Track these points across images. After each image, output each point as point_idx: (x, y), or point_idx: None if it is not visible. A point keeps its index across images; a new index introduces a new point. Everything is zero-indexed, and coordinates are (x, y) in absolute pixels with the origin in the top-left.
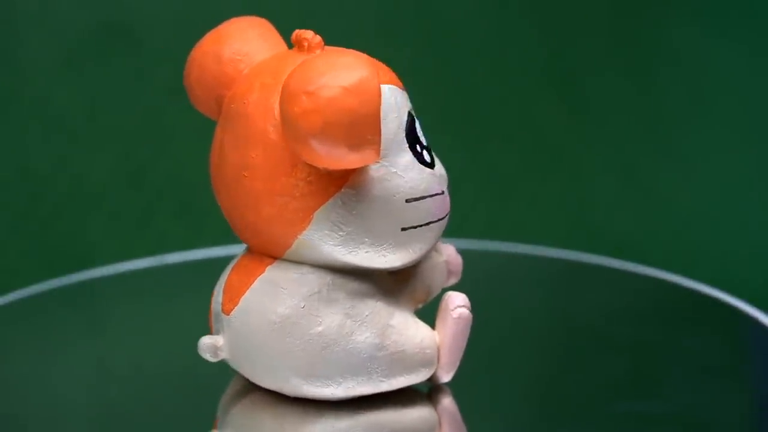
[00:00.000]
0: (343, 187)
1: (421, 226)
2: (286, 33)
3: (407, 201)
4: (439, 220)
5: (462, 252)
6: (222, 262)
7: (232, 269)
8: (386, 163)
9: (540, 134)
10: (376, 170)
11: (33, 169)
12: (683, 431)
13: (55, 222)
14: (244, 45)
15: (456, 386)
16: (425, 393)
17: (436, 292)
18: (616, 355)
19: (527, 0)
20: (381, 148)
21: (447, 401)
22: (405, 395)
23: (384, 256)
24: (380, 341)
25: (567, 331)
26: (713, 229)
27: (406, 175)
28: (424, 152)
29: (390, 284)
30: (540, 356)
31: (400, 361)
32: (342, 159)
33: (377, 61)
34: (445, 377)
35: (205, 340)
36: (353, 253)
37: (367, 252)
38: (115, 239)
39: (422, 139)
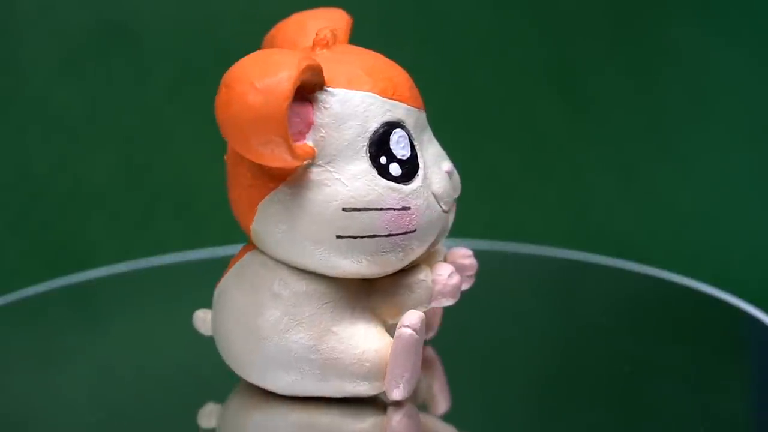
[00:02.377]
0: (281, 184)
1: (362, 237)
2: None
3: (344, 209)
4: (390, 235)
5: None
6: (222, 262)
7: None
8: (331, 169)
9: (540, 134)
10: (317, 173)
11: (33, 169)
12: (683, 431)
13: (55, 222)
14: (295, 35)
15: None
16: (387, 403)
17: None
18: (615, 354)
19: (528, 0)
20: (325, 153)
21: (400, 415)
22: (368, 404)
23: (323, 260)
24: (315, 344)
25: (567, 330)
26: (713, 229)
27: (351, 183)
28: (393, 165)
29: (354, 291)
30: (539, 357)
31: (333, 368)
32: (258, 155)
33: (377, 64)
34: (392, 395)
35: (198, 314)
36: (292, 252)
37: (304, 254)
38: (115, 239)
39: (398, 152)
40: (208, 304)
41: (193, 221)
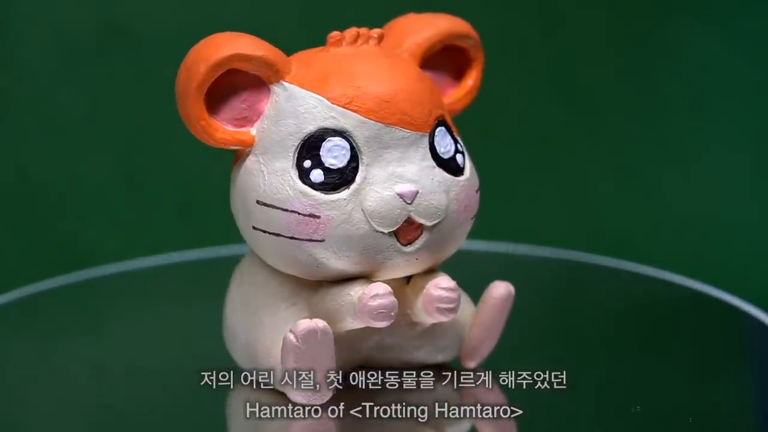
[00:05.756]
0: (233, 166)
1: (269, 233)
2: (284, 34)
3: (258, 202)
4: (294, 238)
5: (462, 252)
6: (222, 262)
7: None
8: (261, 160)
9: (540, 134)
10: (250, 162)
11: (33, 169)
12: (683, 431)
13: (55, 222)
14: (392, 37)
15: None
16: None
17: (338, 324)
18: (615, 355)
19: (528, 0)
20: (262, 144)
21: (305, 419)
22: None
23: (254, 249)
24: (247, 329)
25: (567, 331)
26: (713, 229)
27: (269, 179)
28: (316, 171)
29: (300, 289)
30: (538, 357)
31: (253, 358)
32: (189, 129)
33: (353, 71)
34: (289, 396)
35: None
36: (243, 236)
37: (246, 239)
38: (115, 239)
39: (327, 160)
40: (208, 303)
41: (193, 221)
